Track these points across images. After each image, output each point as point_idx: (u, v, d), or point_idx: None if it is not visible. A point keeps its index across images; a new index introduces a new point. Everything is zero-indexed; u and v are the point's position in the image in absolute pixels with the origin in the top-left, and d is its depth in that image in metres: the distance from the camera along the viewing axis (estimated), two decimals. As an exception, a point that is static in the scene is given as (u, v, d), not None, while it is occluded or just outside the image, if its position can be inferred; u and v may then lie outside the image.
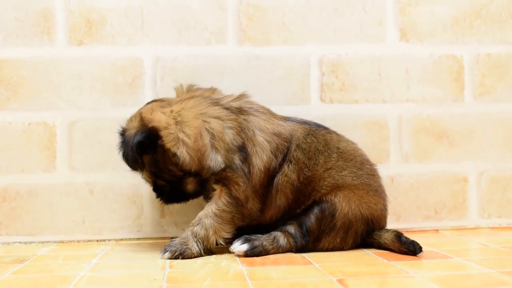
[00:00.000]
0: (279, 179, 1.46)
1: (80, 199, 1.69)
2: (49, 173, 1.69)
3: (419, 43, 1.80)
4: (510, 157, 1.82)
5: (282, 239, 1.44)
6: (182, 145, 1.42)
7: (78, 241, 1.69)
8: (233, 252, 1.42)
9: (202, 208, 1.47)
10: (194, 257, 1.40)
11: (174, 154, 1.42)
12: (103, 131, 1.70)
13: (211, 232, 1.42)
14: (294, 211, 1.48)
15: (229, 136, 1.43)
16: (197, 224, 1.43)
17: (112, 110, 1.70)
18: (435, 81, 1.80)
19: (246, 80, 1.72)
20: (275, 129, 1.48)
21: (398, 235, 1.43)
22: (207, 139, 1.42)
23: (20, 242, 1.67)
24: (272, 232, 1.45)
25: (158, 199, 1.54)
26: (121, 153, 1.46)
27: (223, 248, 1.47)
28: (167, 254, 1.40)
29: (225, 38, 1.75)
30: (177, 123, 1.43)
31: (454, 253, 1.41)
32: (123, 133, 1.46)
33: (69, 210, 1.69)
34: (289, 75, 1.76)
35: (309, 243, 1.45)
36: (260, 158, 1.44)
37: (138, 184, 1.68)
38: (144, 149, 1.43)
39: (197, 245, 1.41)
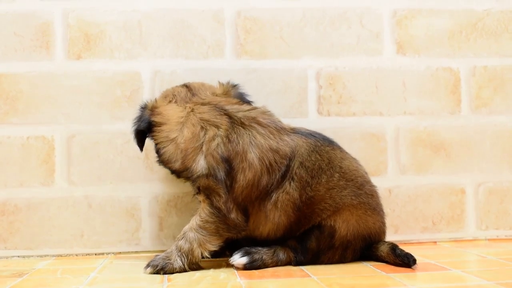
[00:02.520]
0: (279, 195, 1.43)
1: (78, 213, 1.69)
2: (47, 187, 1.69)
3: (416, 56, 1.81)
4: (507, 169, 1.82)
5: (281, 254, 1.44)
6: (170, 144, 1.45)
7: (76, 255, 1.69)
8: (232, 264, 1.42)
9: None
10: (177, 272, 1.39)
11: (158, 150, 1.47)
12: (102, 144, 1.70)
13: (195, 245, 1.40)
14: (295, 233, 1.46)
15: (216, 144, 1.41)
16: (182, 238, 1.42)
17: (110, 123, 1.71)
18: (432, 94, 1.81)
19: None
20: (272, 145, 1.44)
21: (393, 247, 1.43)
22: (197, 143, 1.42)
23: (18, 256, 1.67)
24: (272, 246, 1.45)
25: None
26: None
27: (221, 261, 1.48)
28: (149, 269, 1.40)
29: (223, 52, 1.75)
30: (180, 123, 1.45)
31: (452, 265, 1.42)
32: (141, 109, 1.52)
33: (67, 223, 1.69)
34: (286, 88, 1.76)
35: (308, 259, 1.44)
36: (245, 176, 1.41)
37: (137, 198, 1.69)
38: (144, 137, 1.52)
39: (181, 260, 1.40)
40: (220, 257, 1.53)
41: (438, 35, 1.81)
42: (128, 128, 1.64)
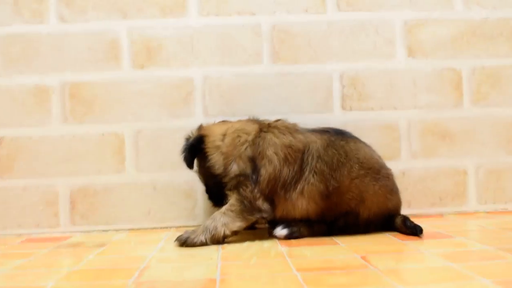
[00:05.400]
0: (304, 186, 1.43)
1: (145, 194, 1.74)
2: (119, 174, 1.74)
3: (424, 58, 1.81)
4: (503, 152, 1.82)
5: (316, 226, 1.46)
6: (217, 151, 1.48)
7: (145, 229, 1.73)
8: (275, 235, 1.45)
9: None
10: (197, 245, 1.38)
11: (205, 157, 1.48)
12: (163, 138, 1.74)
13: (219, 224, 1.39)
14: (328, 218, 1.46)
15: (245, 147, 1.45)
16: (210, 219, 1.42)
17: (169, 120, 1.75)
18: (438, 90, 1.81)
19: (279, 93, 1.76)
20: (285, 142, 1.45)
21: (404, 220, 1.44)
22: (236, 149, 1.46)
23: (98, 230, 1.73)
24: (307, 220, 1.46)
25: (210, 200, 1.58)
26: (182, 155, 1.52)
27: (264, 232, 1.51)
28: (176, 243, 1.41)
29: (261, 59, 1.77)
30: (223, 134, 1.50)
31: (456, 234, 1.43)
32: (187, 139, 1.53)
33: (137, 203, 1.74)
34: (315, 88, 1.78)
35: (336, 231, 1.46)
36: (266, 170, 1.43)
37: (193, 181, 1.72)
38: (195, 152, 1.49)
39: (204, 236, 1.39)
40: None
41: (442, 40, 1.82)
42: (184, 124, 1.71)
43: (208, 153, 1.49)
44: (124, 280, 1.07)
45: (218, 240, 1.40)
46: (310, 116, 1.71)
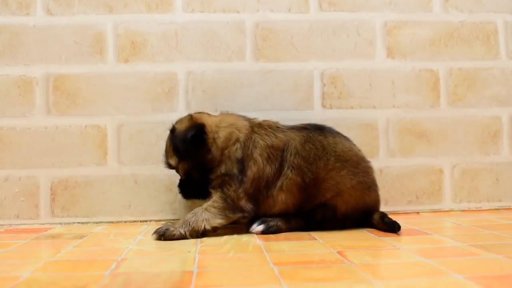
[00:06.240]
0: (283, 181, 1.42)
1: (126, 188, 1.71)
2: (101, 167, 1.70)
3: (403, 59, 1.80)
4: (478, 152, 1.82)
5: (293, 221, 1.45)
6: (214, 144, 1.43)
7: (125, 222, 1.70)
8: (252, 232, 1.43)
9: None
10: (176, 238, 1.35)
11: (208, 150, 1.43)
12: (145, 132, 1.71)
13: (200, 219, 1.37)
14: (305, 208, 1.45)
15: (235, 148, 1.43)
16: (191, 213, 1.40)
17: (152, 115, 1.72)
18: (416, 91, 1.80)
19: (261, 90, 1.73)
20: (268, 143, 1.44)
21: (382, 216, 1.43)
22: (228, 148, 1.43)
23: (78, 223, 1.69)
24: (286, 215, 1.45)
25: (180, 193, 1.52)
26: (169, 146, 1.47)
27: (243, 226, 1.48)
28: (154, 236, 1.37)
29: (244, 56, 1.75)
30: (217, 126, 1.45)
31: (432, 231, 1.42)
32: (173, 130, 1.47)
33: (118, 196, 1.70)
34: (296, 86, 1.76)
35: (314, 226, 1.44)
36: (252, 170, 1.41)
37: (174, 176, 1.66)
38: (197, 143, 1.43)
39: (183, 229, 1.36)
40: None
41: (421, 42, 1.81)
42: (166, 118, 1.66)
43: (209, 145, 1.44)
44: (100, 271, 1.04)
45: (197, 234, 1.37)
46: (291, 113, 1.69)
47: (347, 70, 1.78)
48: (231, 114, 1.53)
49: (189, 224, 1.37)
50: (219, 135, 1.45)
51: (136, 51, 1.73)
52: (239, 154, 1.42)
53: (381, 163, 1.77)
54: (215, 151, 1.43)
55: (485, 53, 1.83)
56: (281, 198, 1.43)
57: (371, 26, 1.79)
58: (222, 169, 1.42)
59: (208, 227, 1.37)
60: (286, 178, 1.43)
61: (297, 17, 1.77)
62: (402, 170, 1.78)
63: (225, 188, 1.40)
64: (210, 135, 1.44)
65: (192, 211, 1.40)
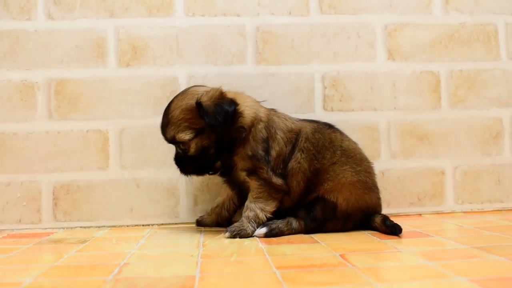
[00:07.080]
0: (292, 164, 1.46)
1: (128, 192, 1.70)
2: (103, 171, 1.70)
3: (404, 61, 1.80)
4: (479, 154, 1.81)
5: (294, 223, 1.45)
6: (244, 121, 1.44)
7: (127, 226, 1.70)
8: (255, 235, 1.42)
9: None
10: (250, 236, 1.41)
11: (240, 127, 1.43)
12: (147, 136, 1.71)
13: (258, 211, 1.43)
14: (304, 200, 1.47)
15: (260, 127, 1.46)
16: (246, 210, 1.44)
17: (154, 119, 1.70)
18: (417, 93, 1.80)
19: (263, 93, 1.71)
20: (288, 127, 1.49)
21: (384, 219, 1.43)
22: (253, 127, 1.45)
23: (80, 227, 1.69)
24: (286, 217, 1.45)
25: (180, 169, 1.48)
26: (182, 119, 1.43)
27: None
28: (227, 234, 1.41)
29: (245, 59, 1.75)
30: (243, 105, 1.46)
31: (434, 233, 1.42)
32: (200, 103, 1.41)
33: (120, 200, 1.70)
34: (297, 88, 1.76)
35: (316, 226, 1.44)
36: (275, 150, 1.45)
37: (176, 179, 1.70)
38: (232, 117, 1.42)
39: (251, 225, 1.42)
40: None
41: (421, 44, 1.81)
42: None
43: (239, 123, 1.44)
44: (103, 276, 1.04)
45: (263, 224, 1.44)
46: (292, 116, 1.67)
47: (348, 72, 1.78)
48: (248, 96, 1.53)
49: (254, 220, 1.43)
50: (246, 114, 1.46)
51: (137, 55, 1.73)
52: (264, 133, 1.46)
53: (383, 165, 1.77)
54: (242, 130, 1.44)
55: (486, 55, 1.83)
56: (290, 183, 1.46)
57: (372, 29, 1.79)
58: (248, 150, 1.44)
59: (268, 214, 1.44)
60: (296, 160, 1.47)
61: (297, 20, 1.77)
62: (403, 172, 1.78)
63: (259, 173, 1.44)
64: (244, 114, 1.45)
65: (246, 208, 1.45)
